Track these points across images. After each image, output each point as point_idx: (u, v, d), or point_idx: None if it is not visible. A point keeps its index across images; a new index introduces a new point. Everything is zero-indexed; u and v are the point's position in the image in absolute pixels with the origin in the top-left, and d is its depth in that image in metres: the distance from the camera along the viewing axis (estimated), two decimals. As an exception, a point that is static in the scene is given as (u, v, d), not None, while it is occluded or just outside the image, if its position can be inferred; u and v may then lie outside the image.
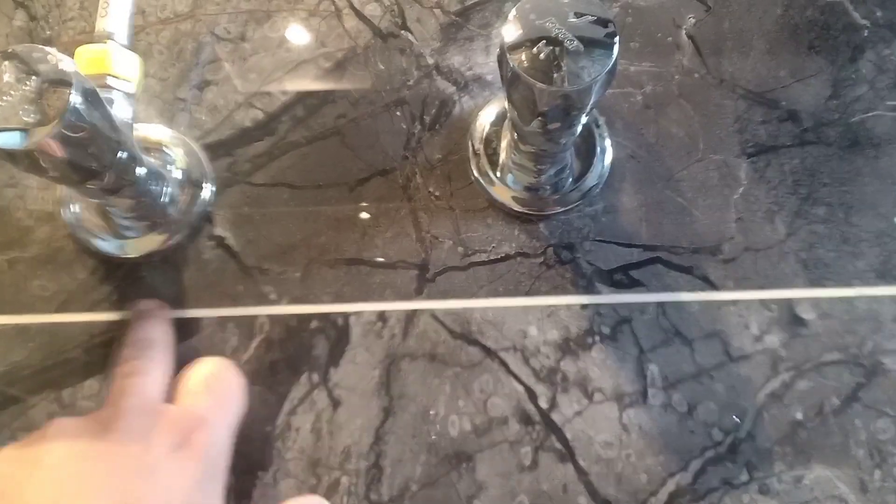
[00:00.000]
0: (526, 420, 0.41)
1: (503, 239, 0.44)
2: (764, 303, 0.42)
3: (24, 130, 0.30)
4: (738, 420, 0.40)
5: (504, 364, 0.42)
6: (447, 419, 0.41)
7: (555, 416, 0.41)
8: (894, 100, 0.46)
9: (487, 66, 0.47)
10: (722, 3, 0.48)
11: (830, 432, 0.40)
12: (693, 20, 0.48)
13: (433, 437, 0.40)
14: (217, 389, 0.35)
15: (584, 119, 0.37)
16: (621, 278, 0.43)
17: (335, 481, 0.40)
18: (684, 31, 0.48)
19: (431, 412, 0.41)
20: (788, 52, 0.47)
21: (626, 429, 0.40)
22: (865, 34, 0.47)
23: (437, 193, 0.45)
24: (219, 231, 0.44)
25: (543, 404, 0.41)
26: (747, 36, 0.47)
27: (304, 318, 0.42)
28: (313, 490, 0.40)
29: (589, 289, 0.43)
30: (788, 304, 0.42)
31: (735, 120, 0.45)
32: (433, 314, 0.42)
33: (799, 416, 0.40)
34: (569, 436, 0.40)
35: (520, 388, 0.41)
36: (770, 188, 0.44)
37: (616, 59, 0.30)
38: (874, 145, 0.45)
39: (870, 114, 0.45)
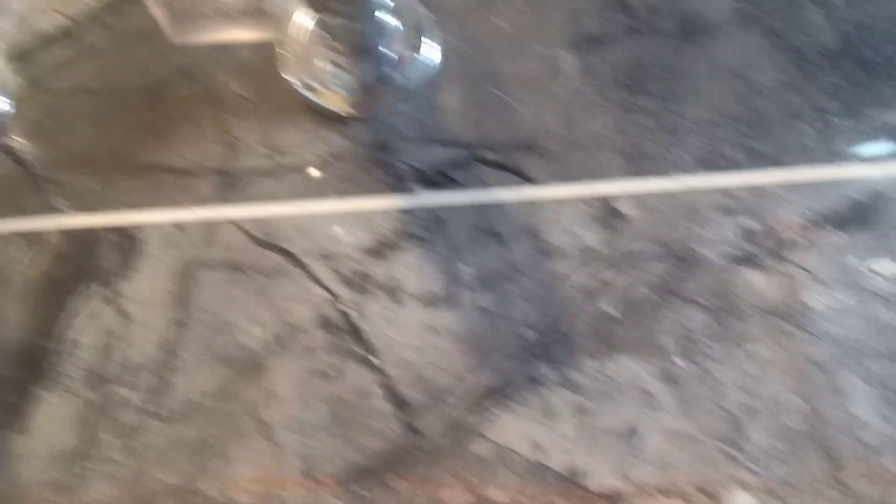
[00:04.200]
0: (329, 327, 0.38)
1: (314, 141, 0.41)
2: (584, 199, 0.39)
3: None
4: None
5: (309, 271, 0.39)
6: (246, 330, 0.38)
7: (360, 323, 0.38)
8: (729, -16, 0.43)
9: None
10: None
11: (641, 325, 0.37)
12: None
13: (230, 349, 0.37)
14: None
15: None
16: (439, 179, 0.40)
17: (122, 397, 0.37)
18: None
19: (229, 323, 0.38)
20: (622, -60, 0.44)
21: (435, 331, 0.37)
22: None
23: (243, 94, 0.42)
24: (9, 141, 0.41)
25: (349, 310, 0.38)
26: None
27: (95, 230, 0.39)
28: (98, 408, 0.37)
29: (404, 190, 0.40)
30: (607, 199, 0.39)
31: (565, 11, 0.43)
32: (235, 222, 0.39)
33: (611, 310, 0.37)
34: (374, 341, 0.37)
35: (325, 294, 0.38)
36: (598, 82, 0.41)
37: None
38: (708, 33, 0.42)
39: (705, 0, 0.43)
